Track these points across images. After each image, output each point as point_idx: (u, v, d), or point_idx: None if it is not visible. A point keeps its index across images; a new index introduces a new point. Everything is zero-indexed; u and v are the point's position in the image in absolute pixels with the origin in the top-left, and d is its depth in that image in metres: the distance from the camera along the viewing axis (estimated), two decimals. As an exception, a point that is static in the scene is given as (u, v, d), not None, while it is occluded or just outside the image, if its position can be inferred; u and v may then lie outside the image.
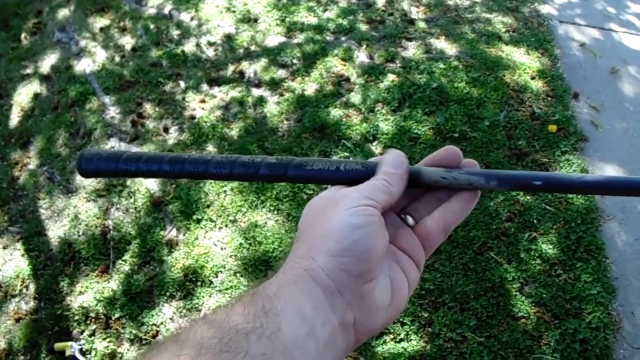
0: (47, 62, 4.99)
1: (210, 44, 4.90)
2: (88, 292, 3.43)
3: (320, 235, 0.58)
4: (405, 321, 3.12)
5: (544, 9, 5.23)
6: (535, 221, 3.50)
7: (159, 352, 0.50)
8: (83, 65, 4.84)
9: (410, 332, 3.08)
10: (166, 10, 5.27)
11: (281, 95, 4.38)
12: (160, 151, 4.03)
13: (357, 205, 0.59)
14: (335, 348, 0.56)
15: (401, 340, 3.06)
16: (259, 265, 3.37)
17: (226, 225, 3.61)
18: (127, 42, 5.02)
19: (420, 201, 0.70)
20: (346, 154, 3.88)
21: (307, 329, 0.53)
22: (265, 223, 3.60)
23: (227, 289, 3.31)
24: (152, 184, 3.87)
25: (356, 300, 0.57)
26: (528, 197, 3.62)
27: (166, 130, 4.20)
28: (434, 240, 0.68)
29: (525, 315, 3.12)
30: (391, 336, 3.08)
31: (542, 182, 0.66)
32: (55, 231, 3.77)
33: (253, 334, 0.50)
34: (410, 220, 0.68)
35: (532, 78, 4.41)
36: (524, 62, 4.56)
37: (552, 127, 4.01)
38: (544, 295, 3.18)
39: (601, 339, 3.02)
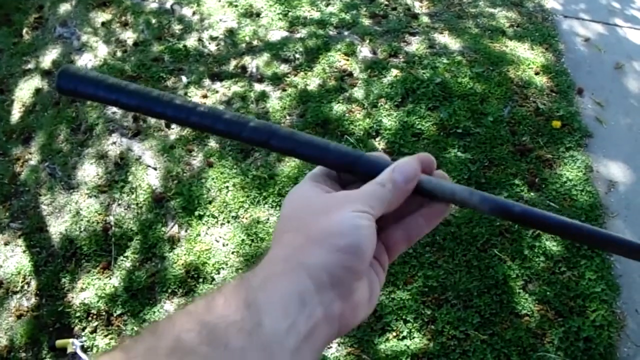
0: (49, 57, 4.97)
1: (213, 38, 4.88)
2: (89, 289, 3.42)
3: (324, 229, 0.58)
4: (408, 318, 3.10)
5: (548, 3, 5.19)
6: (539, 218, 3.48)
7: (135, 343, 0.49)
8: (84, 60, 4.82)
9: (413, 330, 3.07)
10: (168, 5, 5.24)
11: (284, 90, 4.36)
12: (162, 147, 4.02)
13: (361, 211, 0.59)
14: (316, 341, 0.55)
15: (404, 337, 3.05)
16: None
17: (228, 222, 3.60)
18: (129, 37, 5.00)
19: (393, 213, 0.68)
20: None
21: (289, 322, 0.52)
22: (268, 219, 3.59)
23: (229, 286, 3.29)
24: (153, 180, 3.86)
25: (347, 294, 0.57)
26: (532, 194, 3.60)
27: (168, 125, 4.19)
28: (397, 249, 0.68)
29: (528, 313, 3.11)
30: (394, 334, 3.07)
31: (522, 210, 0.64)
32: (57, 227, 3.76)
33: (232, 328, 0.50)
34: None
35: (537, 73, 4.39)
36: (528, 57, 4.53)
37: (557, 123, 3.99)
38: (548, 293, 3.16)
39: (605, 337, 3.00)
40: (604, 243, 0.63)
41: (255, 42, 4.79)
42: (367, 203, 0.60)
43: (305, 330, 0.54)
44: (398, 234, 0.67)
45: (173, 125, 4.19)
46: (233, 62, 4.64)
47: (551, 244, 3.36)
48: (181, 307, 0.53)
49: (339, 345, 3.06)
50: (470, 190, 0.65)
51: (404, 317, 3.11)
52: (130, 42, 4.95)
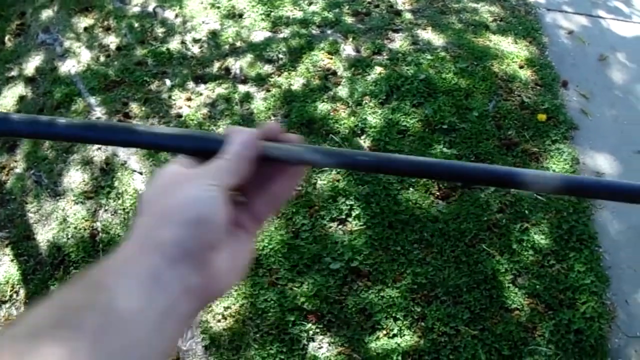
0: (32, 64, 4.94)
1: (196, 41, 4.87)
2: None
3: (172, 206, 0.60)
4: (397, 316, 3.10)
5: (531, -4, 5.21)
6: (526, 212, 3.49)
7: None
8: (68, 66, 4.79)
9: (403, 327, 3.07)
10: (150, 8, 5.22)
11: (268, 90, 4.35)
12: (147, 151, 4.00)
13: (207, 184, 0.62)
14: (179, 314, 0.57)
15: (394, 335, 3.04)
16: (249, 264, 3.35)
17: (216, 225, 3.58)
18: (112, 41, 4.98)
19: (255, 181, 0.72)
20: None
21: (143, 300, 0.54)
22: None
23: (218, 289, 3.29)
24: (139, 185, 3.84)
25: (202, 266, 0.59)
26: (519, 188, 3.60)
27: (153, 129, 4.16)
28: (264, 215, 0.73)
29: (518, 307, 3.11)
30: (384, 332, 3.06)
31: (369, 158, 0.69)
32: (44, 235, 3.74)
33: (85, 310, 0.51)
34: (242, 198, 0.72)
35: (521, 67, 4.39)
36: (512, 51, 4.54)
37: (542, 116, 3.99)
38: (537, 287, 3.17)
39: (596, 328, 3.01)
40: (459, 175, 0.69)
41: (238, 44, 4.78)
42: (213, 176, 0.63)
43: (163, 305, 0.55)
44: (262, 204, 0.72)
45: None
46: (216, 64, 4.63)
47: (540, 237, 3.37)
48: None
49: (329, 345, 3.05)
50: (314, 148, 0.70)
51: (393, 315, 3.11)
52: (113, 46, 4.92)
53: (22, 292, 3.54)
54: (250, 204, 0.71)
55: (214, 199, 0.61)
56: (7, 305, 3.51)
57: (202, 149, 0.69)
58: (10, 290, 3.54)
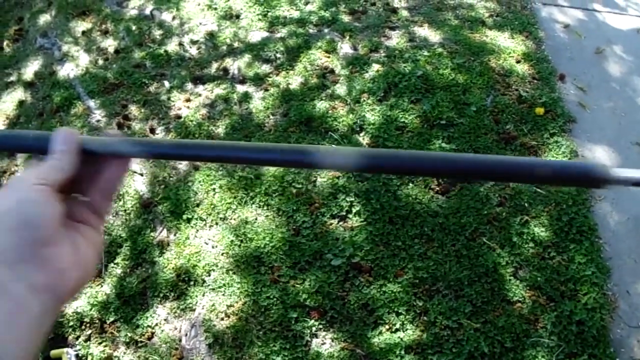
0: (31, 68, 4.95)
1: (193, 42, 4.88)
2: (81, 298, 3.41)
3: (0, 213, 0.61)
4: (400, 311, 3.11)
5: (527, -9, 5.22)
6: (526, 205, 3.50)
7: None
8: (67, 70, 4.81)
9: (405, 322, 3.07)
10: (147, 11, 5.24)
11: (266, 90, 4.36)
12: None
13: (29, 186, 0.64)
14: (27, 313, 0.58)
15: (397, 330, 3.05)
16: (251, 262, 3.36)
17: (216, 223, 3.60)
18: (110, 44, 4.99)
19: (89, 179, 0.76)
20: (334, 146, 3.87)
21: None
22: (256, 219, 3.58)
23: (220, 287, 3.30)
24: (140, 186, 3.85)
25: (42, 264, 0.60)
26: (518, 181, 3.61)
27: (152, 131, 4.18)
28: (103, 207, 0.75)
29: (520, 299, 3.12)
30: (387, 327, 3.07)
31: (174, 149, 0.74)
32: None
33: None
34: (80, 197, 0.75)
35: (518, 62, 4.41)
36: (509, 46, 4.55)
37: (540, 110, 4.00)
38: (539, 279, 3.18)
39: (597, 319, 3.02)
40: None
41: (236, 44, 4.79)
42: (40, 175, 0.66)
43: (11, 306, 0.56)
44: (97, 197, 0.74)
45: (157, 131, 4.18)
46: (215, 65, 4.64)
47: (540, 230, 3.38)
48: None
49: (332, 341, 3.06)
50: (126, 139, 0.73)
51: (396, 309, 3.12)
52: (111, 49, 4.94)
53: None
54: (89, 199, 0.74)
55: (38, 199, 0.63)
56: None
57: (40, 148, 0.72)
58: None
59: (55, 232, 0.63)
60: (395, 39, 4.69)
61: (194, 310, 3.26)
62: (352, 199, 3.57)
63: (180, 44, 4.87)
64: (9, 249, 0.58)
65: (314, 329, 3.10)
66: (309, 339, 3.08)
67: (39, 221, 0.61)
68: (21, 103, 4.67)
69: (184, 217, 3.64)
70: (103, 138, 0.73)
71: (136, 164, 3.98)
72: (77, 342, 3.27)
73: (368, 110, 4.08)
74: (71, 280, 0.64)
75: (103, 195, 0.75)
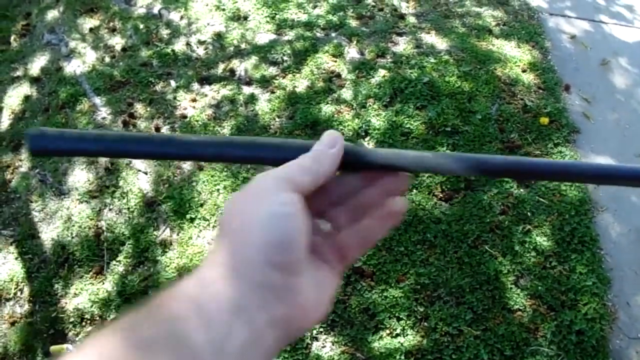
0: (37, 64, 4.96)
1: (201, 42, 4.89)
2: (83, 294, 3.42)
3: (243, 228, 0.55)
4: (401, 316, 3.12)
5: (534, 1, 5.23)
6: (529, 214, 3.51)
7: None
8: (73, 67, 4.82)
9: (406, 327, 3.08)
10: (155, 10, 5.25)
11: (272, 92, 4.37)
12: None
13: (281, 191, 0.56)
14: (261, 347, 0.52)
15: (397, 335, 3.06)
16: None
17: (220, 224, 3.60)
18: (117, 42, 5.00)
19: (344, 205, 0.66)
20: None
21: (222, 333, 0.50)
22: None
23: (222, 288, 3.30)
24: (144, 184, 3.86)
25: (287, 294, 0.53)
26: (521, 190, 3.62)
27: (158, 129, 4.19)
28: (350, 254, 0.64)
29: (521, 308, 3.13)
30: (387, 331, 3.08)
31: (500, 162, 0.63)
32: (49, 233, 3.76)
33: (157, 345, 0.48)
34: (326, 226, 0.64)
35: (523, 71, 4.42)
36: (515, 55, 4.56)
37: (544, 120, 4.01)
38: (539, 288, 3.18)
39: (597, 329, 3.02)
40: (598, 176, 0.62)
41: (243, 46, 4.80)
42: (285, 178, 0.58)
43: (246, 337, 0.51)
44: (348, 238, 0.64)
45: (163, 130, 4.19)
46: (221, 66, 4.65)
47: (542, 239, 3.39)
48: (141, 304, 0.50)
49: (332, 344, 3.07)
50: (445, 155, 0.64)
51: (397, 314, 3.13)
52: (118, 47, 4.95)
53: (26, 290, 3.55)
54: (336, 235, 0.63)
55: (292, 212, 0.55)
56: (12, 302, 3.52)
57: (283, 158, 0.62)
58: (15, 288, 3.56)
59: (304, 259, 0.55)
60: (402, 45, 4.70)
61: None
62: (356, 203, 3.58)
63: (188, 44, 4.89)
64: (258, 270, 0.52)
65: (314, 332, 3.10)
66: (310, 342, 3.08)
67: (292, 242, 0.53)
68: (27, 98, 4.68)
69: (188, 216, 3.65)
70: (379, 149, 0.64)
71: (140, 162, 3.99)
72: (77, 339, 3.27)
73: (374, 115, 4.09)
74: (307, 321, 0.57)
75: (357, 235, 0.64)
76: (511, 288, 3.20)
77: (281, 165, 0.60)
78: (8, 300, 3.53)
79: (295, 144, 0.64)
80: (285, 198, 0.55)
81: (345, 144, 0.62)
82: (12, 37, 5.32)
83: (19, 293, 3.55)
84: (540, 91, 4.27)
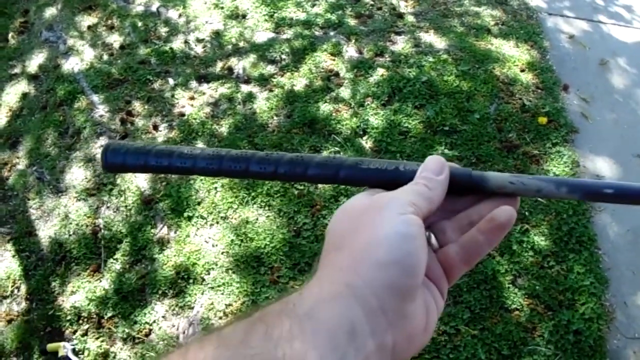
0: (35, 61, 4.96)
1: (199, 40, 4.88)
2: (80, 292, 3.42)
3: (367, 244, 0.52)
4: (398, 315, 3.11)
5: (533, 1, 5.23)
6: (526, 213, 3.50)
7: None
8: (71, 64, 4.81)
9: (403, 326, 3.07)
10: (154, 8, 5.24)
11: (270, 91, 4.37)
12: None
13: (405, 212, 0.54)
14: None
15: (395, 334, 3.05)
16: (251, 262, 3.37)
17: (217, 222, 3.60)
18: (115, 40, 4.99)
19: (450, 220, 0.64)
20: (336, 148, 3.87)
21: (337, 357, 0.47)
22: (257, 219, 3.59)
23: (219, 286, 3.30)
24: (142, 182, 3.85)
25: (399, 321, 0.51)
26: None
27: (155, 127, 4.18)
28: (455, 271, 0.62)
29: (518, 307, 3.12)
30: (385, 330, 3.07)
31: (614, 190, 0.62)
32: (46, 231, 3.75)
33: None
34: (434, 241, 0.62)
35: (522, 70, 4.41)
36: (514, 54, 4.56)
37: (543, 119, 4.01)
38: (537, 287, 3.18)
39: (595, 329, 3.02)
40: None
41: (241, 44, 4.80)
42: (410, 201, 0.55)
43: None
44: (454, 254, 0.61)
45: (160, 128, 4.19)
46: (219, 64, 4.64)
47: (539, 239, 3.38)
48: (212, 329, 0.49)
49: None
50: (556, 181, 0.63)
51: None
52: (116, 45, 4.94)
53: (23, 287, 3.55)
54: (440, 252, 0.61)
55: (417, 236, 0.52)
56: (8, 300, 3.52)
57: (394, 180, 0.62)
58: (12, 286, 3.56)
59: (419, 283, 0.53)
60: (401, 44, 4.70)
61: (193, 308, 3.27)
62: (354, 202, 3.57)
63: (186, 42, 4.88)
64: (373, 292, 0.50)
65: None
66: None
67: (415, 266, 0.51)
68: (25, 95, 4.68)
69: (185, 214, 3.64)
70: (501, 174, 0.62)
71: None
72: (74, 337, 3.27)
73: (372, 114, 4.08)
74: (413, 348, 0.54)
75: (461, 256, 0.61)
76: (509, 287, 3.20)
77: (398, 189, 0.58)
78: (5, 298, 3.53)
79: (400, 170, 0.63)
80: (411, 219, 0.53)
81: (452, 168, 0.62)
82: (10, 34, 5.32)
83: (15, 291, 3.55)
84: (539, 91, 4.27)
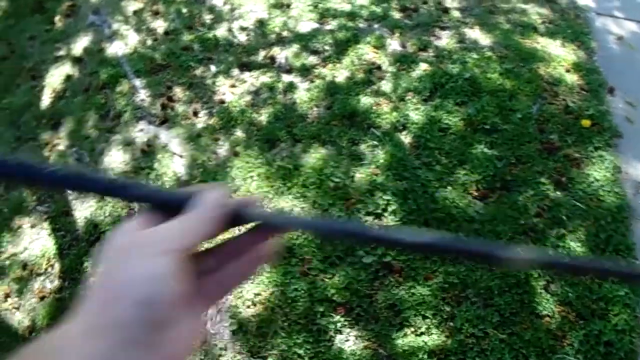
0: (80, 44, 5.02)
1: (243, 28, 4.89)
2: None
3: (123, 281, 0.54)
4: (427, 314, 3.09)
5: (582, 0, 5.12)
6: (564, 218, 3.44)
7: None
8: (115, 48, 4.85)
9: (431, 326, 3.05)
10: (200, -6, 5.27)
11: (312, 81, 4.36)
12: (189, 135, 4.03)
13: (160, 253, 0.55)
14: None
15: (422, 333, 3.03)
16: (282, 253, 3.36)
17: (251, 212, 3.60)
18: (160, 25, 5.03)
19: (221, 250, 0.67)
20: (375, 142, 3.85)
21: None
22: (291, 210, 3.58)
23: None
24: (179, 167, 3.87)
25: (152, 350, 0.53)
26: (558, 193, 3.56)
27: (195, 114, 4.20)
28: (232, 282, 0.66)
29: (549, 313, 3.08)
30: (412, 329, 3.05)
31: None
32: (82, 212, 3.80)
33: None
34: (212, 262, 0.65)
35: (567, 71, 4.33)
36: (559, 54, 4.47)
37: (586, 122, 3.93)
38: (570, 295, 3.13)
39: (627, 342, 2.96)
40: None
41: (284, 33, 4.79)
42: (167, 240, 0.57)
43: None
44: (232, 267, 0.65)
45: (200, 114, 4.21)
46: (262, 53, 4.64)
47: (576, 245, 3.32)
48: None
49: (356, 339, 3.06)
50: (304, 223, 0.69)
51: (422, 312, 3.10)
52: (160, 30, 4.97)
53: (57, 266, 3.60)
54: (220, 268, 0.65)
55: (164, 273, 0.54)
56: (42, 278, 3.58)
57: (169, 203, 0.63)
58: (46, 264, 3.61)
59: (177, 313, 0.55)
60: (445, 39, 4.65)
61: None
62: (389, 198, 3.55)
63: (230, 30, 4.89)
64: (126, 327, 0.52)
65: (339, 325, 3.09)
66: (333, 335, 3.07)
67: (163, 302, 0.53)
68: (68, 77, 4.74)
69: (220, 202, 3.65)
70: (263, 210, 0.65)
71: (176, 146, 4.01)
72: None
73: (412, 109, 4.05)
74: None
75: (237, 270, 0.65)
76: (541, 293, 3.15)
77: (164, 225, 0.59)
78: (39, 275, 3.59)
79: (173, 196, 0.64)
80: (162, 260, 0.55)
81: (230, 203, 0.63)
82: (57, 17, 5.38)
83: (49, 269, 3.60)
84: (584, 92, 4.18)
